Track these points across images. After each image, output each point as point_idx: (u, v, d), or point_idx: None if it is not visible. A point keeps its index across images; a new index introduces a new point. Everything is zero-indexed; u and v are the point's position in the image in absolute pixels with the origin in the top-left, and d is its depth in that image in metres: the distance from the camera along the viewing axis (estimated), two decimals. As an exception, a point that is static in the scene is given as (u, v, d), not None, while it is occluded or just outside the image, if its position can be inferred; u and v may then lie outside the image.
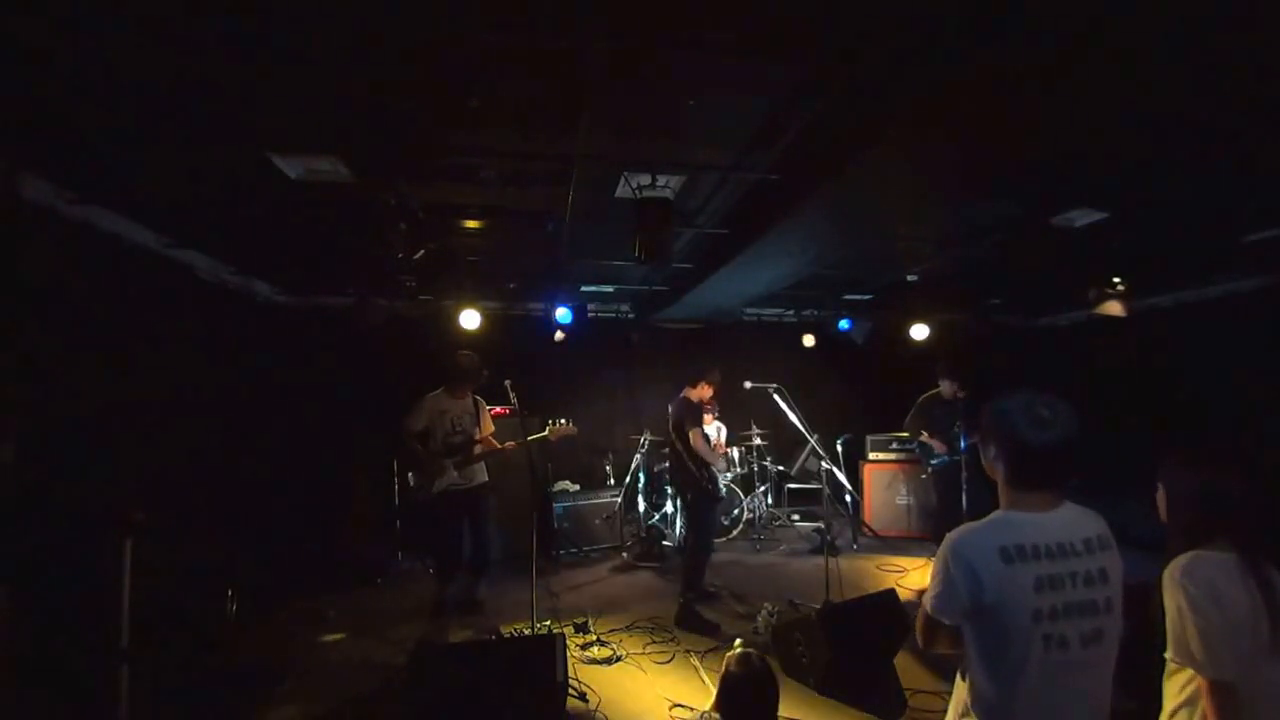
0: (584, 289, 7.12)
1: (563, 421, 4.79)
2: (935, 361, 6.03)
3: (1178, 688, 1.57)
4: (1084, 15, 2.04)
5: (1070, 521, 1.44)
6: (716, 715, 2.48)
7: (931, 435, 5.91)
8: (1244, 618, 1.47)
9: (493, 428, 4.93)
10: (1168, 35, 2.16)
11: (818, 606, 4.07)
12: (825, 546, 5.18)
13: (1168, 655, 1.57)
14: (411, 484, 4.73)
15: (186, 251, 4.92)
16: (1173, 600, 1.53)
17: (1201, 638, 1.46)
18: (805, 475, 7.50)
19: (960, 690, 1.51)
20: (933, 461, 5.98)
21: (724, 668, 2.46)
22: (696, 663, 3.87)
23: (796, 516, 7.45)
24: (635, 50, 2.53)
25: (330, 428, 6.31)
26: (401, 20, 2.33)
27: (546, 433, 4.74)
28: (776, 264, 5.02)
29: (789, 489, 7.61)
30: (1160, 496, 1.73)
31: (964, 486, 5.53)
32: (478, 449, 4.75)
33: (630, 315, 8.06)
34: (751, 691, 2.34)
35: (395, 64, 2.63)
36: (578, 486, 6.68)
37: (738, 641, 2.74)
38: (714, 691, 2.76)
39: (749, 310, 7.94)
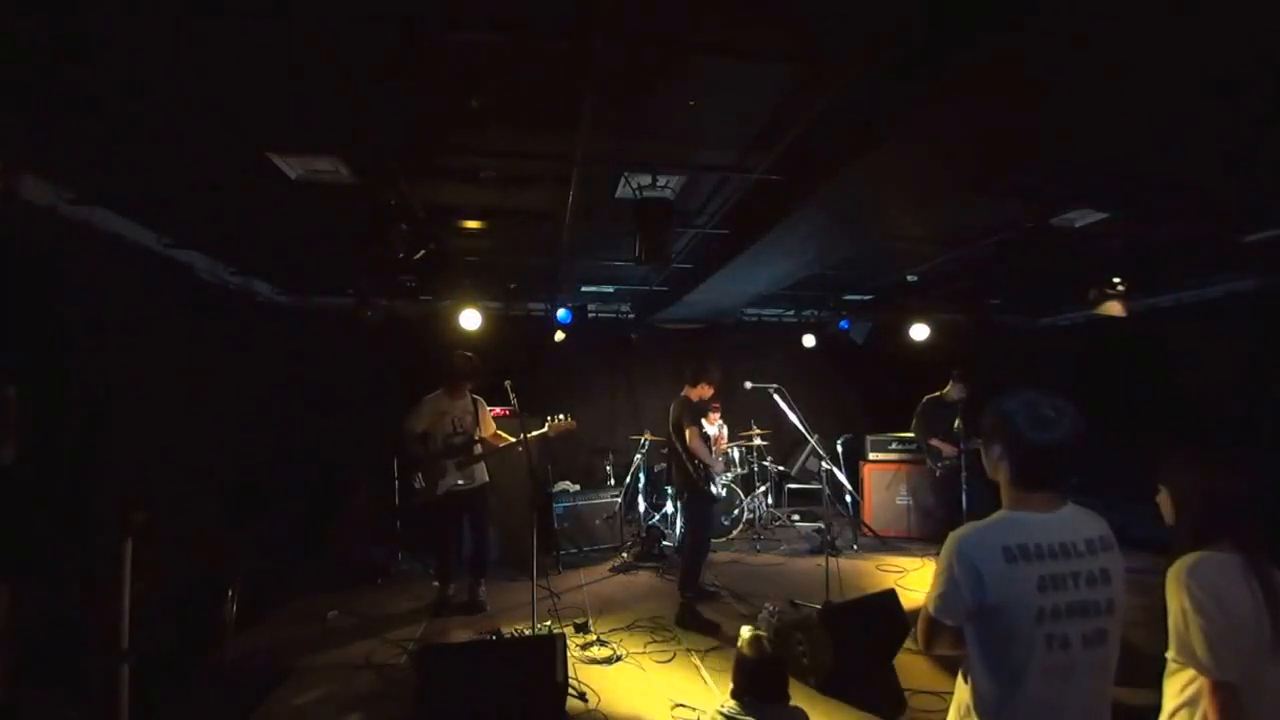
0: (584, 289, 7.12)
1: (561, 417, 4.74)
2: (946, 364, 6.06)
3: (1179, 687, 1.57)
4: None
5: (1073, 522, 1.44)
6: (734, 703, 2.53)
7: (938, 437, 5.96)
8: (1247, 619, 1.47)
9: (494, 427, 4.93)
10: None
11: (818, 606, 4.07)
12: (825, 546, 5.18)
13: (1170, 655, 1.57)
14: (418, 486, 4.70)
15: (186, 251, 4.92)
16: (1176, 601, 1.53)
17: (1205, 638, 1.45)
18: (805, 475, 7.51)
19: (961, 691, 1.50)
20: (941, 462, 6.00)
21: (737, 653, 2.61)
22: (697, 662, 3.87)
23: (796, 516, 7.43)
24: (635, 51, 2.52)
25: (330, 428, 6.31)
26: (402, 20, 2.33)
27: (546, 429, 4.71)
28: (776, 264, 5.02)
29: (789, 489, 7.61)
30: (1164, 498, 1.73)
31: (964, 487, 5.53)
32: (479, 449, 4.75)
33: (630, 315, 8.05)
34: (767, 670, 2.55)
35: (396, 64, 2.63)
36: (578, 486, 6.67)
37: (745, 629, 2.79)
38: (723, 688, 2.89)
39: (749, 310, 7.94)
